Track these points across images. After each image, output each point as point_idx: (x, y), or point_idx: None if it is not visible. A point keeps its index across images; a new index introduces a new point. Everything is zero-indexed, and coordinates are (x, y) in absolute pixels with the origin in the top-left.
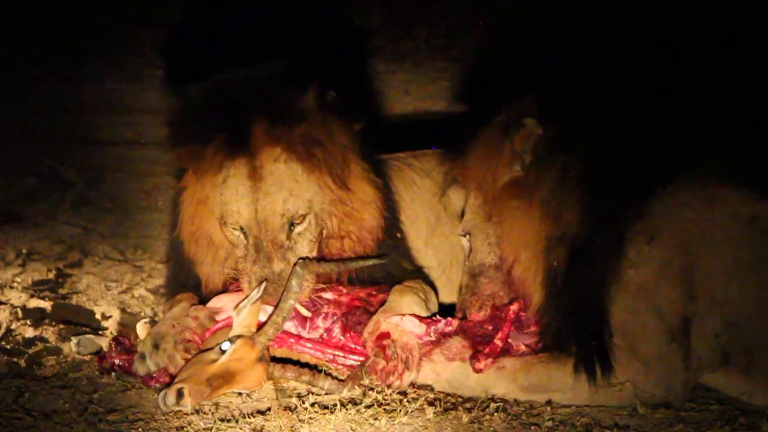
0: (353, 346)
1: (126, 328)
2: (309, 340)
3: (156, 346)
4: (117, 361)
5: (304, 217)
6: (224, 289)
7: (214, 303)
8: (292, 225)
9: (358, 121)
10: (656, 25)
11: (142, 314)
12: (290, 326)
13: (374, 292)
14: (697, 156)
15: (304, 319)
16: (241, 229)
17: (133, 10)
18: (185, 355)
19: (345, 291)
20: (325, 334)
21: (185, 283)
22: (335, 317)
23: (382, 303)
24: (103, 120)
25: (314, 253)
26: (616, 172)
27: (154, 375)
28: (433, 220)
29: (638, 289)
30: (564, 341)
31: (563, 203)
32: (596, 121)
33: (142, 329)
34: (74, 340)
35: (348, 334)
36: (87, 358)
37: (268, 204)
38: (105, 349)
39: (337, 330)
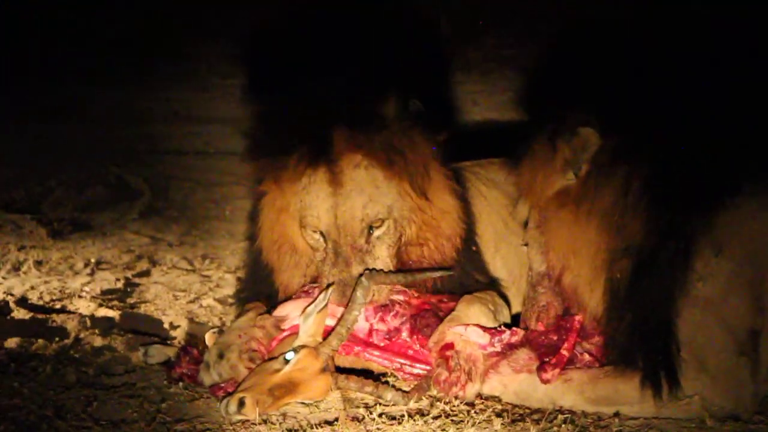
0: (419, 349)
1: (194, 337)
2: (376, 347)
3: (221, 356)
4: (185, 371)
5: (383, 221)
6: (288, 297)
7: (280, 311)
8: (371, 229)
9: (440, 131)
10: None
11: (210, 324)
12: (361, 317)
13: (445, 299)
14: (762, 166)
15: (377, 309)
16: (321, 233)
17: (202, 19)
18: (249, 365)
19: (416, 295)
20: (393, 333)
21: (258, 292)
22: (404, 317)
23: (452, 310)
24: (171, 129)
25: (393, 259)
26: (681, 184)
27: (222, 385)
28: (501, 230)
29: (706, 302)
30: (630, 355)
31: (626, 214)
32: (658, 132)
33: (210, 339)
34: (142, 349)
35: (415, 336)
36: (155, 367)
37: (347, 209)
38: (173, 358)
39: (405, 331)
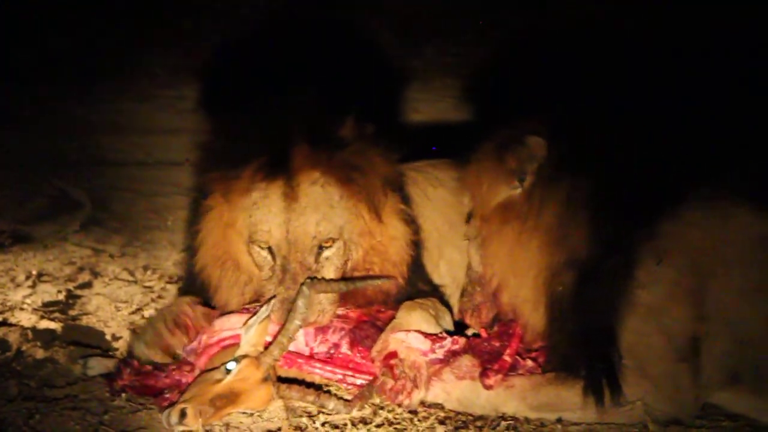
0: (361, 361)
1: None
2: (319, 360)
3: (149, 326)
4: (127, 383)
5: (333, 241)
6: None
7: (222, 323)
8: (321, 248)
9: (395, 152)
10: (665, 43)
11: None
12: (300, 337)
13: (383, 309)
14: (706, 175)
15: (316, 331)
16: (270, 249)
17: (144, 31)
18: (175, 331)
19: (353, 308)
20: (333, 349)
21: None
22: (343, 332)
23: (392, 319)
24: (112, 141)
25: None
26: (624, 193)
27: (167, 396)
28: (446, 232)
29: (647, 309)
30: (572, 363)
31: (569, 226)
32: (603, 142)
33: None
34: (82, 361)
35: (356, 349)
36: (98, 379)
37: (300, 224)
38: (114, 370)
39: (345, 345)
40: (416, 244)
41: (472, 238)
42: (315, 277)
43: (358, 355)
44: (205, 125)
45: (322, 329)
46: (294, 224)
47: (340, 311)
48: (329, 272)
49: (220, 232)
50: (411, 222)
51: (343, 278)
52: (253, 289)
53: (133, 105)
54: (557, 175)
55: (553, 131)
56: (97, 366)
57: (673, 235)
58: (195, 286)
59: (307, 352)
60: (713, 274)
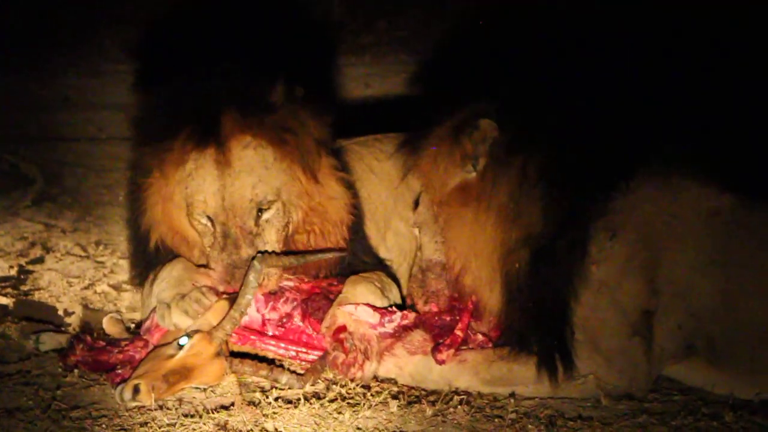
0: (313, 334)
1: (88, 324)
2: (272, 337)
3: (181, 297)
4: (80, 358)
5: (271, 204)
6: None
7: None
8: (260, 211)
9: (328, 114)
10: (614, 20)
11: (105, 309)
12: (252, 304)
13: (335, 283)
14: (658, 150)
15: (268, 298)
16: (208, 217)
17: (94, 5)
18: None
19: (306, 279)
20: (285, 319)
21: (152, 258)
22: (295, 302)
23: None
24: (63, 116)
25: (281, 245)
26: (576, 170)
27: (119, 372)
28: (391, 205)
29: (600, 285)
30: (525, 339)
31: (523, 204)
32: (554, 120)
33: (108, 323)
34: (34, 337)
35: (307, 321)
36: (50, 355)
37: (236, 189)
38: (66, 345)
39: (297, 316)
40: (356, 208)
41: (423, 224)
42: (266, 252)
43: (309, 327)
44: (139, 99)
45: (273, 297)
46: (229, 190)
47: (292, 282)
48: (270, 235)
49: (162, 209)
50: (350, 186)
51: (294, 252)
52: (204, 262)
53: (85, 80)
54: (509, 155)
55: (504, 111)
56: (49, 341)
57: (625, 210)
58: (146, 258)
59: (259, 319)
60: (665, 249)
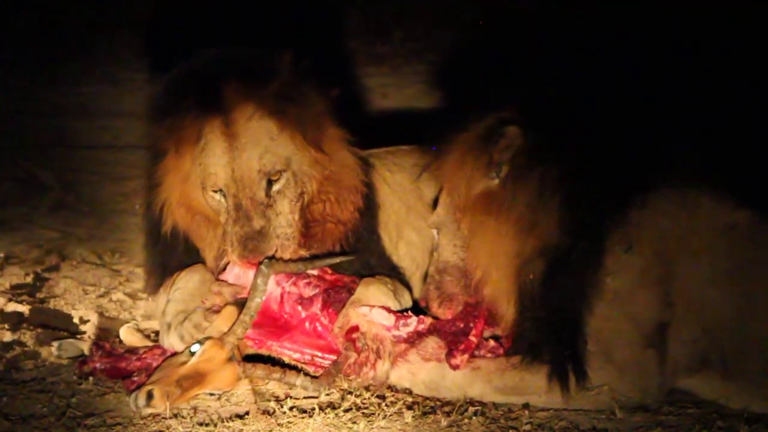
0: (328, 327)
1: (106, 331)
2: (288, 339)
3: (182, 320)
4: (99, 365)
5: (281, 173)
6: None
7: (228, 277)
8: (270, 182)
9: (332, 88)
10: (637, 33)
11: (120, 317)
12: (271, 279)
13: (357, 281)
14: (675, 164)
15: (290, 276)
16: (221, 191)
17: (111, 12)
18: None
19: (330, 271)
20: (306, 302)
21: (168, 265)
22: (318, 289)
23: None
24: (80, 124)
25: (296, 216)
26: (594, 182)
27: (135, 379)
28: (404, 215)
29: (614, 296)
30: (538, 348)
31: (540, 214)
32: (575, 130)
33: (126, 333)
34: (55, 344)
35: (326, 311)
36: (65, 362)
37: (244, 161)
38: (86, 353)
39: (318, 303)
40: (373, 221)
41: (442, 226)
42: (273, 257)
43: (326, 317)
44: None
45: (297, 276)
46: (237, 162)
47: (317, 271)
48: (283, 205)
49: (179, 191)
50: (361, 160)
51: (302, 259)
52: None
53: (101, 88)
54: (529, 164)
55: (526, 119)
56: (70, 348)
57: (641, 223)
58: (163, 248)
59: (278, 293)
60: (681, 262)
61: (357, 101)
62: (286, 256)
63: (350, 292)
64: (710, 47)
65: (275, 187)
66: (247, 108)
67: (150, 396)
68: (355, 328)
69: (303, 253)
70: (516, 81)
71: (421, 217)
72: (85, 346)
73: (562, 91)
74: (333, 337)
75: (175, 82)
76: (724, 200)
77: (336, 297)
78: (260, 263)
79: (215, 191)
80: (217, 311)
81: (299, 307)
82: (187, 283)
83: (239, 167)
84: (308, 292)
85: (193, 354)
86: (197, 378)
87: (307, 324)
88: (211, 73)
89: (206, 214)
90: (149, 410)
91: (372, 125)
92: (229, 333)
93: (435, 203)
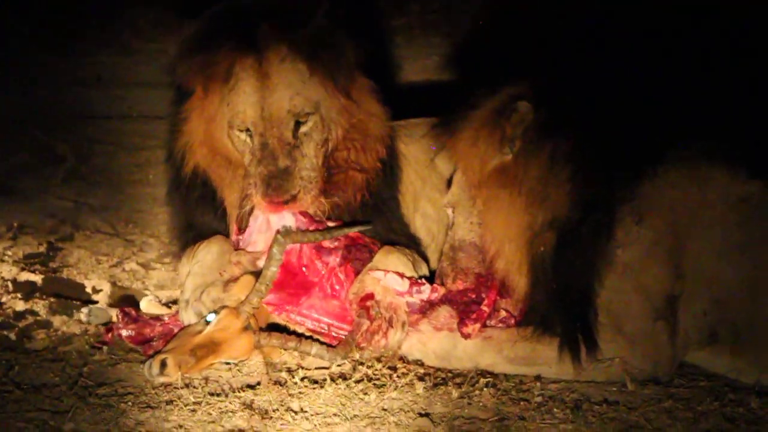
0: (344, 283)
1: (121, 301)
2: (307, 305)
3: (200, 295)
4: (125, 332)
5: (309, 116)
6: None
7: (246, 242)
8: (298, 124)
9: (365, 40)
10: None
11: (133, 287)
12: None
13: (378, 243)
14: (686, 136)
15: (312, 222)
16: (247, 130)
17: None
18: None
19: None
20: (325, 253)
21: (192, 224)
22: (338, 243)
23: None
24: (94, 94)
25: (320, 161)
26: (605, 154)
27: (153, 344)
28: (419, 187)
29: (625, 268)
30: (549, 320)
31: (551, 187)
32: (586, 104)
33: (146, 306)
34: (85, 310)
35: (344, 267)
36: (78, 331)
37: (274, 101)
38: (114, 320)
39: (337, 258)
40: (394, 189)
41: (458, 204)
42: (290, 228)
43: (343, 273)
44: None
45: (319, 223)
46: (268, 101)
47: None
48: (309, 148)
49: (203, 130)
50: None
51: (318, 230)
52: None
53: (116, 58)
54: (541, 138)
55: (538, 94)
56: (100, 314)
57: (652, 195)
58: (186, 193)
59: (297, 247)
60: (692, 235)
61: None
62: (308, 199)
63: (371, 253)
64: (723, 20)
65: (302, 129)
66: (281, 49)
67: (164, 364)
68: (370, 296)
69: (322, 201)
70: (528, 56)
71: (437, 190)
72: (114, 313)
73: (573, 65)
74: (347, 303)
75: (209, 21)
76: (736, 172)
77: (356, 254)
78: (277, 232)
79: (242, 130)
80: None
81: (318, 262)
82: (206, 255)
83: (269, 106)
84: (328, 243)
85: (208, 323)
86: (212, 347)
87: (324, 281)
88: (247, 13)
89: (229, 155)
90: (162, 379)
91: (388, 97)
92: (244, 302)
93: (449, 183)
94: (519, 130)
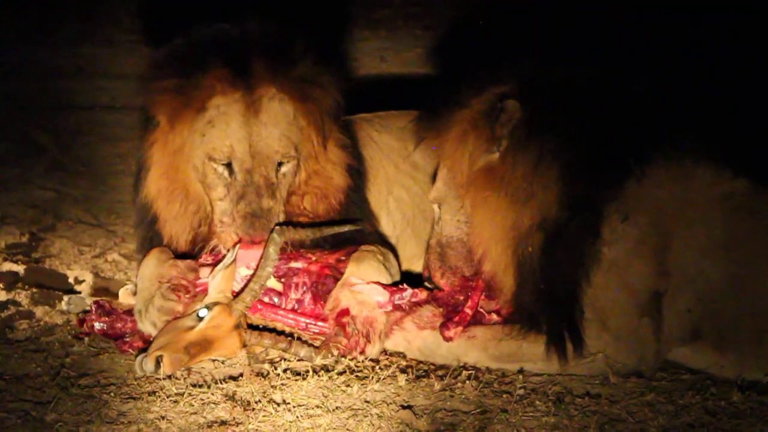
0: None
1: (103, 292)
2: (283, 308)
3: (147, 307)
4: (97, 324)
5: (291, 159)
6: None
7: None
8: (279, 164)
9: (344, 81)
10: (633, 7)
11: (116, 278)
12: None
13: (342, 258)
14: (672, 135)
15: (279, 293)
16: (229, 165)
17: None
18: (180, 302)
19: (314, 258)
20: (296, 305)
21: (156, 244)
22: (305, 287)
23: None
24: (77, 85)
25: (282, 203)
26: (591, 153)
27: (128, 340)
28: (392, 173)
29: (610, 265)
30: (536, 319)
31: (537, 186)
32: (572, 103)
33: (124, 295)
34: (65, 298)
35: (319, 304)
36: (60, 322)
37: (263, 139)
38: (89, 310)
39: (308, 300)
40: (358, 172)
41: (444, 201)
42: (284, 224)
43: (322, 308)
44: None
45: (284, 291)
46: (256, 138)
47: (301, 263)
48: (283, 189)
49: (168, 161)
50: (352, 149)
51: (312, 225)
52: (199, 219)
53: (98, 50)
54: (528, 137)
55: (525, 92)
56: (80, 303)
57: (638, 194)
58: (144, 221)
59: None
60: (676, 233)
61: (354, 64)
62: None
63: (337, 276)
64: (708, 18)
65: (282, 170)
66: (271, 88)
67: (159, 362)
68: (345, 312)
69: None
70: (514, 53)
71: (411, 178)
72: (91, 303)
73: (561, 63)
74: (324, 319)
75: (188, 46)
76: (720, 170)
77: (324, 289)
78: (271, 231)
79: (223, 164)
80: (177, 284)
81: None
82: (145, 269)
83: (257, 144)
84: (298, 294)
85: (200, 319)
86: (204, 344)
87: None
88: (235, 43)
89: (187, 188)
90: (158, 376)
91: (369, 89)
92: (237, 300)
93: (434, 178)
94: (507, 129)
